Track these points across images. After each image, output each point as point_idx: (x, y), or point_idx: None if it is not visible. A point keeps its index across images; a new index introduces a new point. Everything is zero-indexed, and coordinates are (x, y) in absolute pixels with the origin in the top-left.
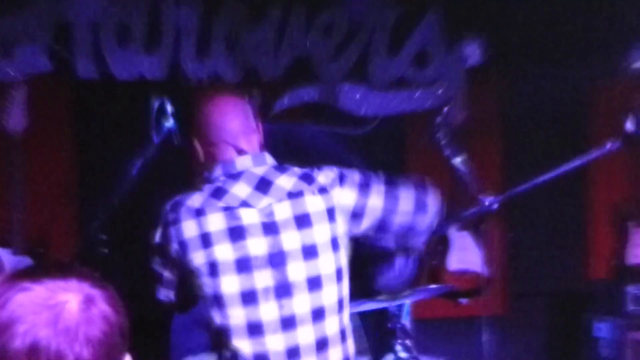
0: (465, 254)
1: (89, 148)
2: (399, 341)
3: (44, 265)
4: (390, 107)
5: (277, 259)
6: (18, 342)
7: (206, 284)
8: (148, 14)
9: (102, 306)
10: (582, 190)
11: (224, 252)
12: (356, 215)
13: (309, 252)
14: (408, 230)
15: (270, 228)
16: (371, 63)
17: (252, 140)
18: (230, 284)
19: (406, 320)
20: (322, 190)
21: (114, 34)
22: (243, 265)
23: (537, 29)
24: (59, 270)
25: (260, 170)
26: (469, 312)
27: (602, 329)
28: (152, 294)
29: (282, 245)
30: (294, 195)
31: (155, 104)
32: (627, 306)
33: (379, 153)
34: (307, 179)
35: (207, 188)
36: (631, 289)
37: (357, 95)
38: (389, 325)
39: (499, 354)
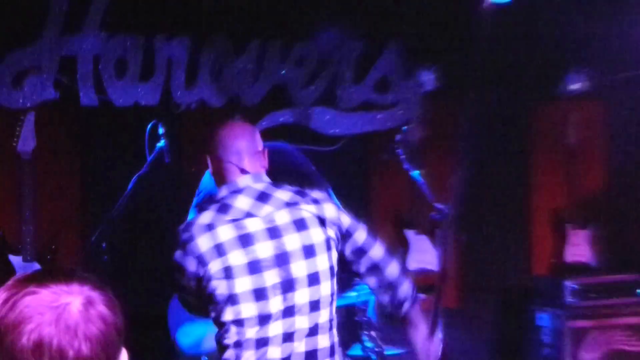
0: (423, 255)
1: (92, 167)
2: (365, 332)
3: (49, 271)
4: (356, 127)
5: (281, 259)
6: (24, 339)
7: (222, 286)
8: (143, 48)
9: (99, 307)
10: (525, 196)
11: (236, 258)
12: (347, 235)
13: (308, 251)
14: (376, 272)
15: (273, 232)
16: (339, 89)
17: (255, 161)
18: (243, 284)
19: (372, 314)
20: (315, 201)
21: (113, 66)
22: (254, 267)
23: (487, 58)
24: (62, 275)
25: (259, 186)
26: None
27: (544, 318)
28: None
29: (285, 246)
30: (290, 204)
31: (149, 127)
32: (566, 298)
33: (346, 167)
34: (301, 193)
35: (214, 206)
36: (569, 283)
37: (327, 117)
38: (357, 318)
39: (454, 341)
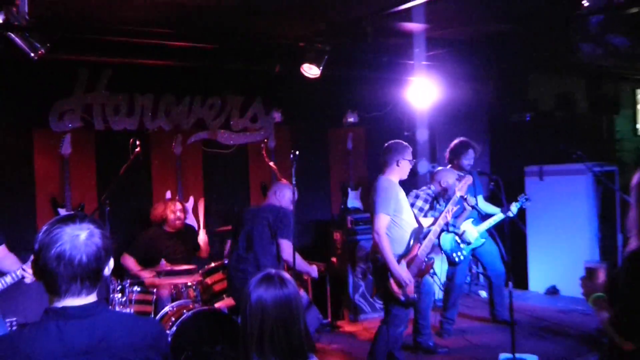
0: None
1: (102, 162)
2: None
3: (72, 217)
4: (241, 140)
5: None
6: (52, 252)
7: None
8: (128, 99)
9: (96, 238)
10: (327, 176)
11: None
12: None
13: None
14: None
15: None
16: (232, 121)
17: None
18: None
19: None
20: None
21: (112, 109)
22: None
23: (308, 105)
24: (79, 219)
25: None
26: None
27: (337, 235)
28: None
29: None
30: None
31: (130, 141)
32: (348, 225)
33: (237, 162)
34: None
35: None
36: (349, 217)
37: (226, 135)
38: None
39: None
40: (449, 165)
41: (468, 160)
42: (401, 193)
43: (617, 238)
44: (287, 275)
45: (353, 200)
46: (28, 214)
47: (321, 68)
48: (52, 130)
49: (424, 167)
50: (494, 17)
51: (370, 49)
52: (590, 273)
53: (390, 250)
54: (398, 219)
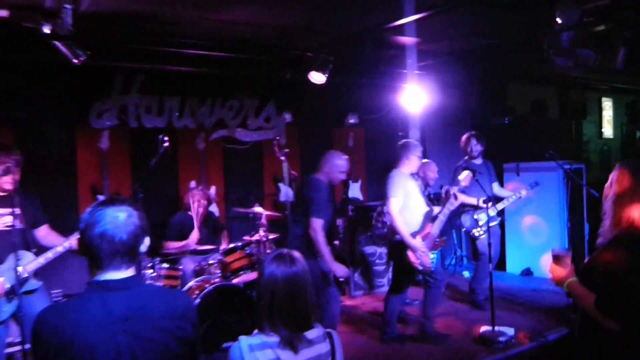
0: (288, 192)
1: (135, 155)
2: None
3: (113, 200)
4: (256, 137)
5: None
6: (95, 231)
7: None
8: (158, 101)
9: (133, 218)
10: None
11: None
12: None
13: None
14: None
15: None
16: (248, 120)
17: None
18: None
19: None
20: None
21: (144, 109)
22: None
23: (313, 107)
24: (118, 202)
25: None
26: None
27: (339, 222)
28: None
29: None
30: None
31: (160, 137)
32: (349, 213)
33: (253, 156)
34: None
35: None
36: (350, 207)
37: (243, 133)
38: None
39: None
40: (466, 157)
41: (474, 147)
42: (409, 182)
43: (584, 227)
44: (297, 254)
45: (354, 191)
46: (71, 200)
47: (326, 75)
48: (92, 127)
49: None
50: (477, 33)
51: (369, 59)
52: (557, 259)
53: (404, 226)
54: (407, 203)
